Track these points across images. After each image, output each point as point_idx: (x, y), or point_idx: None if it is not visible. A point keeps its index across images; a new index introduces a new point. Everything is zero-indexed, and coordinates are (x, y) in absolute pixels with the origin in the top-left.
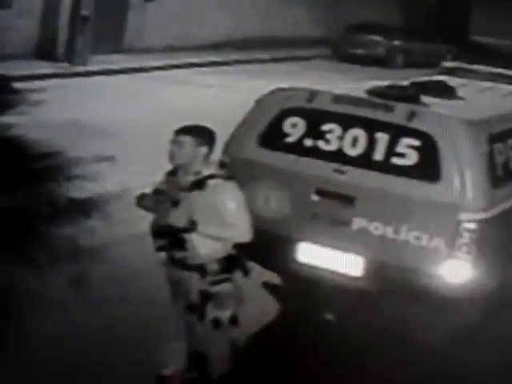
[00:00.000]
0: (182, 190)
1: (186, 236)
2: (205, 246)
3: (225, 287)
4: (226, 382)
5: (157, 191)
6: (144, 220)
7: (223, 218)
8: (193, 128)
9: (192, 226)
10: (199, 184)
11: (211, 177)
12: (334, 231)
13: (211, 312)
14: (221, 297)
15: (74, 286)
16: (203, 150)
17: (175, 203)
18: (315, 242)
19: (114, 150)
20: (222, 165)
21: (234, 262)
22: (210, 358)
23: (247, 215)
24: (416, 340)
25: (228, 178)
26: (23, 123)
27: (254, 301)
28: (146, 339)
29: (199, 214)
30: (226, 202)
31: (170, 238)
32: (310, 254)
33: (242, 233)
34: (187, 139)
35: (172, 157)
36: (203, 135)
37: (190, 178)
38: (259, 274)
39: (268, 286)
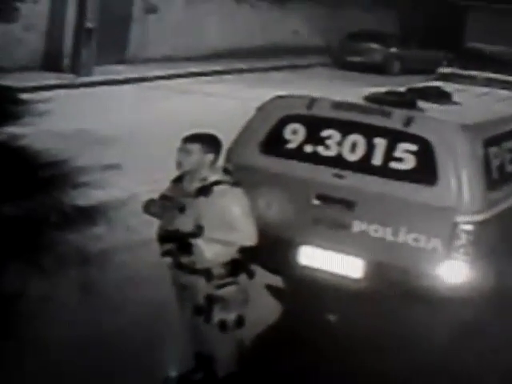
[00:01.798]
0: (188, 196)
1: (193, 241)
2: (211, 251)
3: (230, 290)
4: (232, 382)
5: (164, 197)
6: (149, 226)
7: (229, 223)
8: (200, 136)
9: (198, 231)
10: (205, 190)
11: (217, 183)
12: (335, 234)
13: (217, 314)
14: (227, 300)
15: (81, 291)
16: (210, 157)
17: (182, 209)
18: (316, 246)
19: (119, 158)
20: (225, 171)
21: (238, 265)
22: (215, 359)
23: (252, 220)
24: (416, 339)
25: (234, 183)
26: (30, 133)
27: (257, 303)
28: (153, 342)
29: (205, 220)
30: (232, 207)
31: (177, 243)
32: (312, 257)
33: (248, 237)
34: (195, 147)
35: (179, 164)
36: (210, 143)
37: (197, 185)
38: (263, 276)
39: (271, 289)
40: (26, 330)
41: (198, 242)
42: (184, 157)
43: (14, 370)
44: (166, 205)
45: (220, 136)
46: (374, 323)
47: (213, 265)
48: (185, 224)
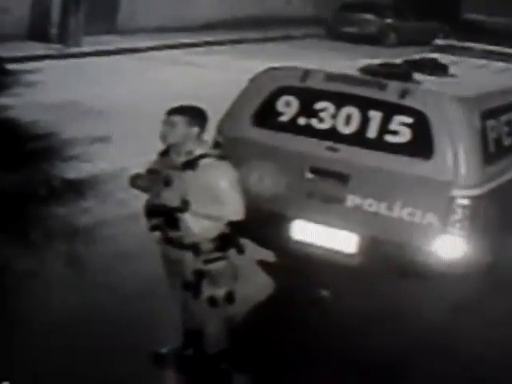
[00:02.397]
0: (174, 169)
1: (180, 215)
2: (198, 225)
3: (219, 265)
4: (222, 359)
5: (150, 171)
6: (138, 200)
7: (215, 197)
8: (184, 108)
9: (185, 206)
10: (191, 164)
11: (203, 156)
12: (329, 209)
13: (206, 290)
14: (215, 275)
15: (69, 265)
16: (195, 129)
17: (168, 183)
18: (310, 220)
19: (108, 131)
20: (216, 144)
21: (227, 240)
22: (205, 336)
23: (239, 194)
24: (411, 315)
25: (220, 157)
26: (17, 104)
27: (248, 278)
28: (142, 318)
29: (192, 194)
30: (218, 180)
31: (164, 217)
32: (305, 232)
33: (235, 211)
34: (179, 119)
35: (164, 137)
36: (195, 115)
37: (183, 158)
38: (254, 251)
39: (263, 264)
40: (12, 305)
41: (185, 217)
42: (168, 130)
43: None
44: (153, 179)
45: (210, 108)
46: (368, 299)
47: (201, 239)
48: (171, 198)
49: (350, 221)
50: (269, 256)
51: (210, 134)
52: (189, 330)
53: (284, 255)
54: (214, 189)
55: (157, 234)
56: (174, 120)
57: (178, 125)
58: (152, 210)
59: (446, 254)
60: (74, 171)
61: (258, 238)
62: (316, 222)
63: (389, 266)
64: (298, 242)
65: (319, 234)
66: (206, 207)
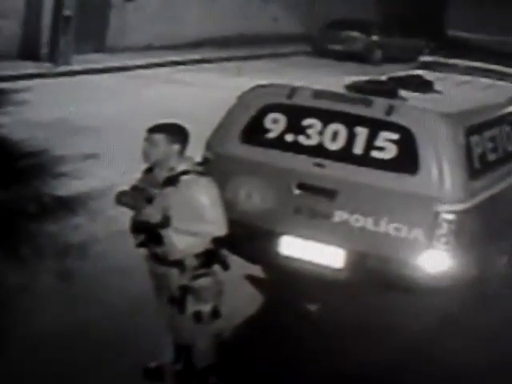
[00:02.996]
0: (157, 186)
1: (163, 232)
2: (182, 242)
3: (204, 282)
4: (211, 373)
5: (134, 188)
6: (127, 216)
7: (197, 213)
8: (165, 126)
9: (166, 222)
10: (172, 180)
11: (184, 173)
12: (316, 224)
13: (192, 306)
14: (200, 291)
15: (59, 281)
16: (175, 147)
17: (150, 199)
18: (298, 235)
19: (98, 148)
20: (205, 161)
21: (212, 256)
22: (194, 350)
23: (221, 209)
24: (398, 329)
25: (201, 173)
26: (8, 123)
27: (235, 294)
28: (132, 333)
29: (174, 210)
30: (199, 196)
31: (148, 233)
32: (293, 247)
33: (217, 227)
34: (159, 137)
35: (145, 155)
36: (175, 133)
37: (165, 175)
38: (242, 267)
39: (251, 279)
40: (1, 319)
41: (169, 233)
42: (150, 147)
43: None
44: (136, 195)
45: (198, 125)
46: (355, 312)
47: (185, 255)
48: (152, 214)
49: (337, 236)
50: (257, 271)
51: (200, 151)
52: (178, 344)
53: (272, 270)
54: (195, 205)
55: (143, 250)
56: (155, 138)
57: (158, 142)
58: (136, 227)
59: (432, 268)
60: (64, 188)
61: (246, 253)
62: (304, 237)
63: (376, 280)
64: (286, 257)
65: (307, 249)
66: (188, 223)
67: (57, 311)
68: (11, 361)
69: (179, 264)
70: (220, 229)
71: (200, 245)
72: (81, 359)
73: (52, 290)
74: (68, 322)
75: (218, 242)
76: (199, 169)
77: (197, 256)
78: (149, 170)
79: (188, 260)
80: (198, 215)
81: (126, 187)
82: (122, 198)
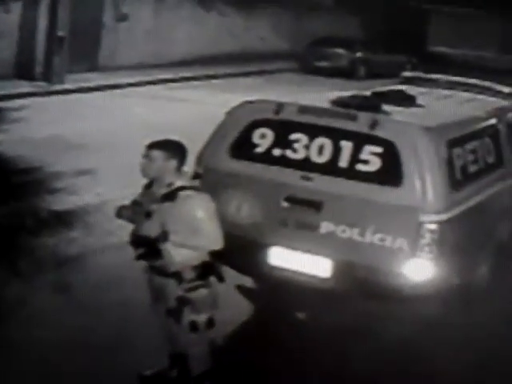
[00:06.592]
0: (155, 201)
1: (162, 245)
2: (180, 255)
3: (200, 293)
4: (205, 380)
5: (134, 202)
6: (124, 230)
7: (194, 228)
8: (163, 143)
9: (164, 236)
10: (170, 195)
11: (182, 188)
12: (303, 235)
13: (188, 316)
14: (197, 302)
15: (57, 293)
16: (173, 163)
17: (149, 214)
18: (286, 246)
19: (92, 165)
20: (196, 175)
21: (208, 269)
22: (189, 358)
23: (217, 224)
24: (384, 335)
25: (198, 189)
26: (4, 140)
27: (228, 303)
28: (128, 342)
29: (171, 225)
30: (196, 211)
31: (147, 247)
32: (282, 258)
33: (213, 241)
34: (158, 154)
35: (144, 170)
36: (173, 149)
37: (163, 190)
38: (234, 278)
39: (242, 289)
40: (2, 333)
41: (167, 247)
42: (148, 164)
43: None
44: (136, 210)
45: (188, 141)
46: (342, 320)
47: (183, 268)
48: (151, 229)
49: (324, 246)
50: (247, 282)
51: (190, 165)
52: (173, 352)
53: (262, 280)
54: (192, 219)
55: (142, 262)
56: (153, 154)
57: (156, 159)
58: (136, 240)
59: (416, 277)
60: (60, 203)
61: (237, 264)
62: (292, 248)
63: (362, 288)
64: (275, 268)
65: (295, 260)
66: (186, 237)
67: (54, 323)
68: (7, 372)
69: (177, 276)
70: (216, 243)
71: (197, 257)
72: (77, 369)
73: (50, 303)
74: (65, 333)
75: (214, 254)
76: (196, 185)
77: (194, 268)
78: (148, 186)
79: (185, 272)
80: (195, 230)
81: (125, 201)
82: (122, 212)
